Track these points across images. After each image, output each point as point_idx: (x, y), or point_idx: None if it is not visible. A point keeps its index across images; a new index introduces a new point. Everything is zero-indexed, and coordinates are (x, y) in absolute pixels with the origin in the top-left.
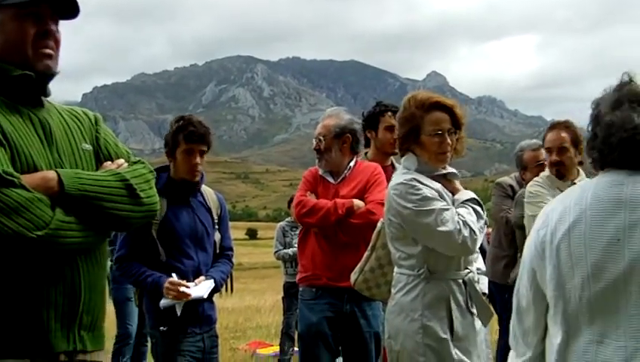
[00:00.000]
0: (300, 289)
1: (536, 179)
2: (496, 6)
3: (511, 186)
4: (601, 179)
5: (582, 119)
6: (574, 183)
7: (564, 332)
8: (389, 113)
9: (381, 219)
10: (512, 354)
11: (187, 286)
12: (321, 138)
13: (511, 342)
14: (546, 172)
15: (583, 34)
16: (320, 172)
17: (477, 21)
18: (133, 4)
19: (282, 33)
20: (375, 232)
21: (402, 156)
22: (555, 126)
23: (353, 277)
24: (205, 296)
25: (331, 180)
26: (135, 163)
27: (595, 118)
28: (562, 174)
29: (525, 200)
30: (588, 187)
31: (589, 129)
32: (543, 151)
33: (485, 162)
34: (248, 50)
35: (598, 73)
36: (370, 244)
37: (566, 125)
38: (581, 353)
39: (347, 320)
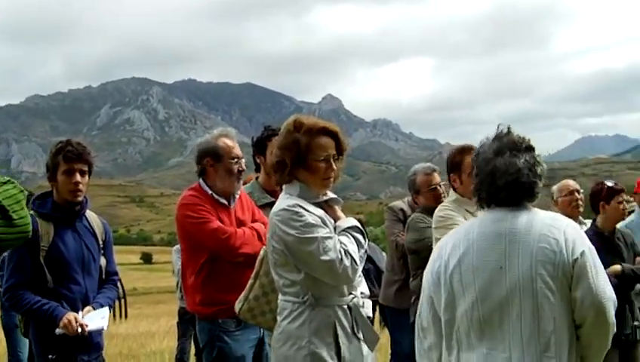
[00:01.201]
0: (220, 321)
1: (443, 203)
2: (393, 29)
3: (402, 210)
4: (486, 216)
5: (475, 141)
6: None
7: (458, 348)
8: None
9: (263, 247)
10: None
11: (86, 326)
12: (243, 160)
13: (417, 357)
14: (452, 196)
15: (477, 58)
16: (214, 196)
17: (373, 44)
18: (27, 25)
19: (178, 55)
20: (258, 260)
21: (282, 182)
22: (473, 148)
23: (238, 306)
24: (105, 327)
25: (226, 203)
26: (4, 183)
27: (480, 165)
28: None
29: (434, 225)
30: (474, 223)
31: (475, 173)
32: (435, 175)
33: (380, 185)
34: (143, 72)
35: (491, 96)
36: (254, 272)
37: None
38: None
39: (260, 345)
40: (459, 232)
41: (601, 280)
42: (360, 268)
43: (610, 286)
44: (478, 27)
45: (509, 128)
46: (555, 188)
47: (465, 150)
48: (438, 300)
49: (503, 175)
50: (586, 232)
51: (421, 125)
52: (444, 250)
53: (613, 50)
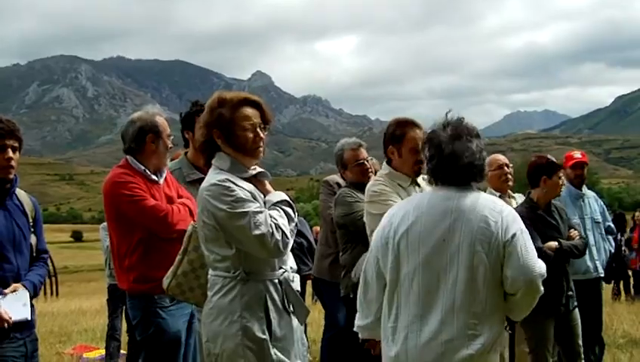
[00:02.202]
0: (156, 297)
1: (376, 178)
2: (323, 5)
3: (338, 184)
4: (436, 193)
5: (405, 116)
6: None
7: (397, 306)
8: None
9: (191, 222)
10: (358, 315)
11: (10, 318)
12: (171, 136)
13: (358, 306)
14: (385, 169)
15: (406, 34)
16: (146, 172)
17: (303, 20)
18: None
19: (107, 32)
20: (186, 236)
21: (210, 156)
22: (416, 123)
23: (166, 281)
24: (29, 317)
25: (156, 180)
26: None
27: (437, 147)
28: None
29: (367, 199)
30: (425, 197)
31: (428, 155)
32: (362, 150)
33: (311, 161)
34: (72, 50)
35: (420, 72)
36: (182, 248)
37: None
38: (410, 322)
39: (191, 320)
40: (410, 203)
41: (530, 257)
42: (291, 242)
43: (539, 261)
44: (407, 3)
45: (460, 117)
46: None
47: (407, 124)
48: (385, 262)
49: (460, 157)
50: (521, 205)
51: (351, 101)
52: (395, 218)
53: (541, 26)
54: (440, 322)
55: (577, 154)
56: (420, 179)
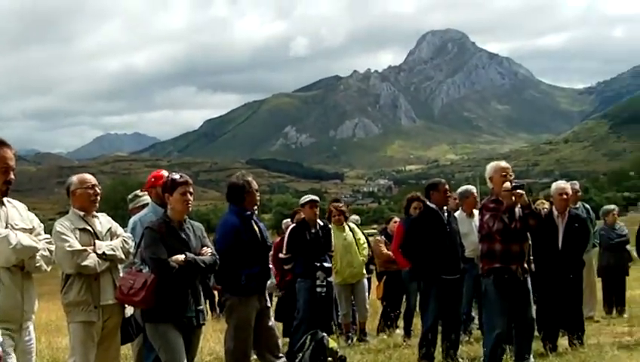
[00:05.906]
0: None
1: None
2: None
3: None
4: None
5: None
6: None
7: None
8: None
9: None
10: None
11: None
12: None
13: None
14: None
15: (0, 53)
16: None
17: None
18: None
19: None
20: None
21: None
22: (6, 143)
23: None
24: None
25: None
26: None
27: None
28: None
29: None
30: None
31: None
32: None
33: None
34: None
35: (14, 93)
36: None
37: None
38: None
39: None
40: None
41: None
42: None
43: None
44: (2, 21)
45: None
46: None
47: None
48: None
49: None
50: (158, 219)
51: None
52: None
53: (138, 49)
54: None
55: (165, 173)
56: (5, 200)
